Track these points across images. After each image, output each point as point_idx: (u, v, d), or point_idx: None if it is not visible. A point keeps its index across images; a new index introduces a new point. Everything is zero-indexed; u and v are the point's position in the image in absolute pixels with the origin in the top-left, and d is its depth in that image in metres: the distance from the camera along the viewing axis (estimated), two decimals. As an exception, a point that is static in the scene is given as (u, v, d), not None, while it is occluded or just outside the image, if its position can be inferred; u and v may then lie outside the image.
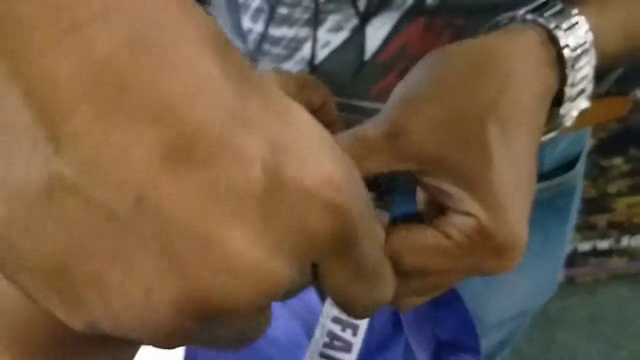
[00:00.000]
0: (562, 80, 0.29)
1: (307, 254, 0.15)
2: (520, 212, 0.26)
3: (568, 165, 0.50)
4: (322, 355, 0.27)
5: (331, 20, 0.37)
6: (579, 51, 0.28)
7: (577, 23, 0.29)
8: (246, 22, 0.40)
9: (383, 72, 0.38)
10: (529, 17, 0.29)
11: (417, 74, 0.28)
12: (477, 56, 0.28)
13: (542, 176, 0.49)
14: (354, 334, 0.27)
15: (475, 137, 0.26)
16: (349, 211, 0.15)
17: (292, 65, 0.41)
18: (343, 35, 0.37)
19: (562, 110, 0.30)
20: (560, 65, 0.29)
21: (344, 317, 0.27)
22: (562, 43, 0.28)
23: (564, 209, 0.53)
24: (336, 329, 0.27)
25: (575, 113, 0.31)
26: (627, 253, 1.38)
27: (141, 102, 0.12)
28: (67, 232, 0.13)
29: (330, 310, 0.27)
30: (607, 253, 1.38)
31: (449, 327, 0.39)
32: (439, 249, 0.26)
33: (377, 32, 0.36)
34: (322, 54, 0.39)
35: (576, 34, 0.28)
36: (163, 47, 0.12)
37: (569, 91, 0.29)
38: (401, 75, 0.38)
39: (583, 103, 0.31)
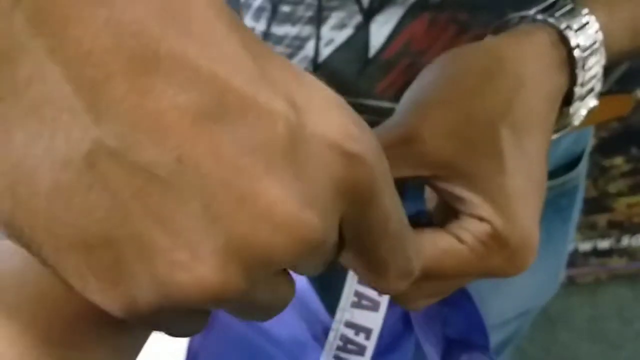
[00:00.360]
0: (572, 80, 0.29)
1: (335, 204, 0.15)
2: (533, 216, 0.26)
3: (571, 164, 0.50)
4: (336, 357, 0.27)
5: (335, 18, 0.37)
6: (589, 51, 0.29)
7: (587, 23, 0.29)
8: (248, 22, 0.40)
9: (387, 69, 0.38)
10: (540, 17, 0.29)
11: (428, 77, 0.28)
12: (489, 60, 0.28)
13: None
14: (367, 337, 0.27)
15: (488, 142, 0.26)
16: (369, 160, 0.15)
17: (295, 64, 0.40)
18: (347, 32, 0.37)
19: (571, 110, 0.30)
20: (571, 65, 0.29)
21: (356, 321, 0.27)
22: (572, 43, 0.28)
23: (566, 208, 0.53)
24: (349, 333, 0.27)
25: (584, 112, 0.31)
26: (627, 253, 1.38)
27: (172, 69, 0.13)
28: (110, 199, 0.13)
29: (342, 314, 0.27)
30: (607, 253, 1.38)
31: (459, 325, 0.39)
32: (452, 254, 0.26)
33: (381, 29, 0.36)
34: (325, 52, 0.38)
35: (586, 34, 0.28)
36: (187, 18, 0.13)
37: (579, 91, 0.29)
38: (405, 71, 0.38)
39: (592, 102, 0.31)
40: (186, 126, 0.13)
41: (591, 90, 0.30)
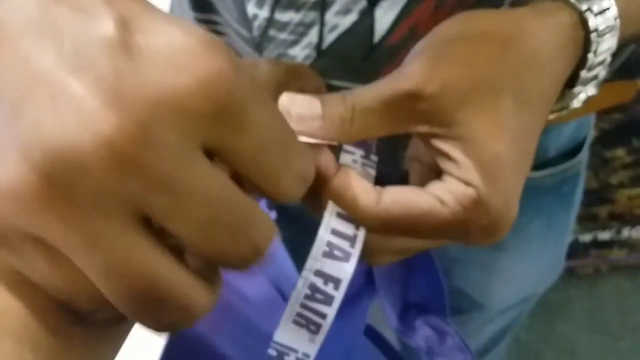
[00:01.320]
0: (581, 63, 0.29)
1: (177, 123, 0.15)
2: (516, 192, 0.27)
3: (573, 151, 0.50)
4: (302, 305, 0.27)
5: (339, 3, 0.36)
6: (604, 37, 0.28)
7: (608, 8, 0.28)
8: (251, 8, 0.39)
9: (393, 55, 0.37)
10: None
11: (444, 34, 0.28)
12: (509, 28, 0.27)
13: (547, 162, 0.49)
14: (336, 288, 0.27)
15: (493, 110, 0.26)
16: (217, 74, 0.16)
17: (299, 51, 0.40)
18: (351, 18, 0.37)
19: (574, 91, 0.30)
20: (584, 48, 0.29)
21: (326, 271, 0.27)
22: (591, 26, 0.28)
23: (568, 195, 0.53)
24: (318, 282, 0.27)
25: (583, 97, 0.31)
26: (628, 244, 1.38)
27: None
28: None
29: (313, 263, 0.27)
30: (608, 244, 1.38)
31: (420, 290, 0.40)
32: (432, 215, 0.26)
33: (386, 14, 0.36)
34: (329, 38, 0.38)
35: (605, 18, 0.28)
36: None
37: (584, 74, 0.30)
38: None
39: (592, 89, 0.31)
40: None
41: (595, 77, 0.30)
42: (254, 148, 0.17)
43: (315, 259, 0.27)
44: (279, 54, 0.40)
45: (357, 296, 0.38)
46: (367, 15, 0.36)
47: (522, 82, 0.27)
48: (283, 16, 0.38)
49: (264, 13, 0.39)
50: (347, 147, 0.29)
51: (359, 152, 0.29)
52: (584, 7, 0.28)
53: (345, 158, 0.29)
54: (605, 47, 0.29)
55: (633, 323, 1.37)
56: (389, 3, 0.35)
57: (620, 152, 1.27)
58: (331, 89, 0.41)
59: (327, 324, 0.28)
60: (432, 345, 0.38)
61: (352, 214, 0.27)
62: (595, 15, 0.28)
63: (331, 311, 0.27)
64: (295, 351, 0.28)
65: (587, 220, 1.35)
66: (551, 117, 0.31)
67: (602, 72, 0.30)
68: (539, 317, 1.32)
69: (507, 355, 0.76)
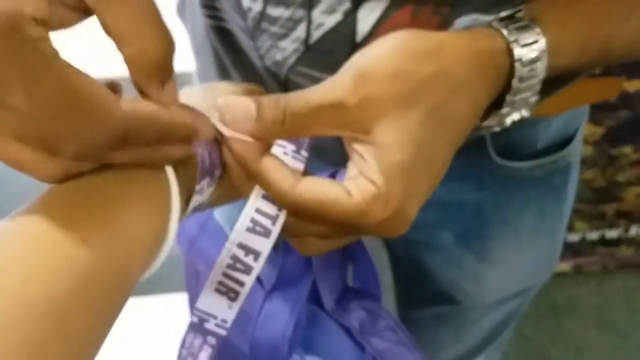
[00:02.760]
0: (507, 88, 0.32)
1: None
2: (417, 196, 0.31)
3: (563, 143, 0.51)
4: (224, 274, 0.31)
5: (325, 3, 0.38)
6: (529, 67, 0.32)
7: (536, 42, 0.32)
8: (246, 1, 0.41)
9: None
10: (495, 24, 0.32)
11: (377, 50, 0.31)
12: (433, 51, 0.31)
13: (536, 154, 0.50)
14: (255, 259, 0.31)
15: (407, 125, 0.29)
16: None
17: (288, 44, 0.41)
18: (336, 17, 0.38)
19: (502, 112, 0.34)
20: (509, 75, 0.32)
21: (248, 244, 0.31)
22: (516, 56, 0.32)
23: (560, 186, 0.53)
24: (240, 253, 0.31)
25: (516, 117, 0.34)
26: (635, 242, 1.37)
27: None
28: None
29: (236, 236, 0.31)
30: (615, 242, 1.37)
31: (356, 275, 0.46)
32: (338, 204, 0.30)
33: (368, 17, 0.37)
34: (316, 34, 0.40)
35: (531, 49, 0.32)
36: None
37: (510, 98, 0.33)
38: None
39: (525, 112, 0.34)
40: None
41: (525, 100, 0.33)
42: None
43: (239, 233, 0.31)
44: (270, 45, 0.42)
45: (296, 281, 0.43)
46: (351, 16, 0.38)
47: (441, 103, 0.30)
48: (274, 11, 0.40)
49: (257, 6, 0.40)
50: (280, 140, 0.33)
51: (290, 147, 0.33)
52: (511, 38, 0.32)
53: (276, 150, 0.32)
54: (530, 74, 0.32)
55: (641, 321, 1.36)
56: (370, 6, 0.37)
57: (627, 150, 1.27)
58: (318, 81, 0.43)
59: (244, 291, 0.31)
60: (365, 325, 0.43)
61: (272, 196, 0.31)
62: (522, 46, 0.31)
63: (249, 280, 0.31)
64: (215, 317, 0.32)
65: (594, 218, 1.34)
66: (486, 132, 0.35)
67: (532, 97, 0.33)
68: (546, 315, 1.32)
69: (515, 353, 0.76)
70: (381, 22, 0.37)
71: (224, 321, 0.32)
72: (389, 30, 0.36)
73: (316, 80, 0.43)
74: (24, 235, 0.23)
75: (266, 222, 0.31)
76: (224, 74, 0.52)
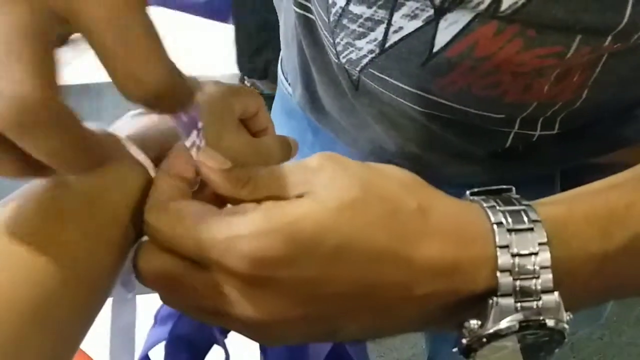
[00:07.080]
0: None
1: None
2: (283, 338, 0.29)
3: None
4: None
5: (408, 7, 0.38)
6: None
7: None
8: None
9: (448, 68, 0.39)
10: (485, 205, 0.28)
11: (353, 165, 0.28)
12: (415, 220, 0.27)
13: None
14: None
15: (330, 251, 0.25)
16: None
17: (364, 44, 0.43)
18: (416, 23, 0.38)
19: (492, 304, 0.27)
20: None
21: None
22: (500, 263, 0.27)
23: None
24: None
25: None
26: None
27: None
28: None
29: None
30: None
31: None
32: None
33: (449, 27, 0.37)
34: (393, 38, 0.40)
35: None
36: None
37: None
38: (465, 74, 0.38)
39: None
40: None
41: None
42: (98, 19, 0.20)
43: None
44: (347, 43, 0.43)
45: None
46: (432, 24, 0.38)
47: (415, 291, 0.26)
48: (356, 8, 0.41)
49: (341, 2, 0.41)
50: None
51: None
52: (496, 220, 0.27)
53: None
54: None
55: (633, 317, 1.39)
56: (454, 17, 0.37)
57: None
58: (387, 85, 0.41)
59: None
60: None
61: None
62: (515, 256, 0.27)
63: None
64: None
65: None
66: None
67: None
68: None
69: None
70: (462, 34, 0.37)
71: None
72: (467, 46, 0.37)
73: (386, 85, 0.41)
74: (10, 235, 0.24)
75: None
76: (304, 66, 0.53)
